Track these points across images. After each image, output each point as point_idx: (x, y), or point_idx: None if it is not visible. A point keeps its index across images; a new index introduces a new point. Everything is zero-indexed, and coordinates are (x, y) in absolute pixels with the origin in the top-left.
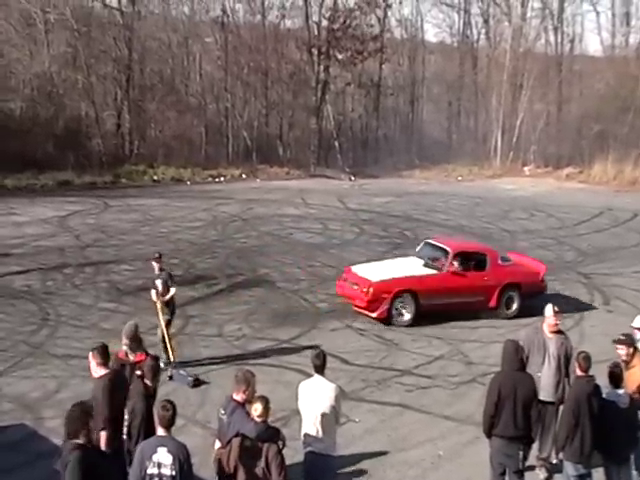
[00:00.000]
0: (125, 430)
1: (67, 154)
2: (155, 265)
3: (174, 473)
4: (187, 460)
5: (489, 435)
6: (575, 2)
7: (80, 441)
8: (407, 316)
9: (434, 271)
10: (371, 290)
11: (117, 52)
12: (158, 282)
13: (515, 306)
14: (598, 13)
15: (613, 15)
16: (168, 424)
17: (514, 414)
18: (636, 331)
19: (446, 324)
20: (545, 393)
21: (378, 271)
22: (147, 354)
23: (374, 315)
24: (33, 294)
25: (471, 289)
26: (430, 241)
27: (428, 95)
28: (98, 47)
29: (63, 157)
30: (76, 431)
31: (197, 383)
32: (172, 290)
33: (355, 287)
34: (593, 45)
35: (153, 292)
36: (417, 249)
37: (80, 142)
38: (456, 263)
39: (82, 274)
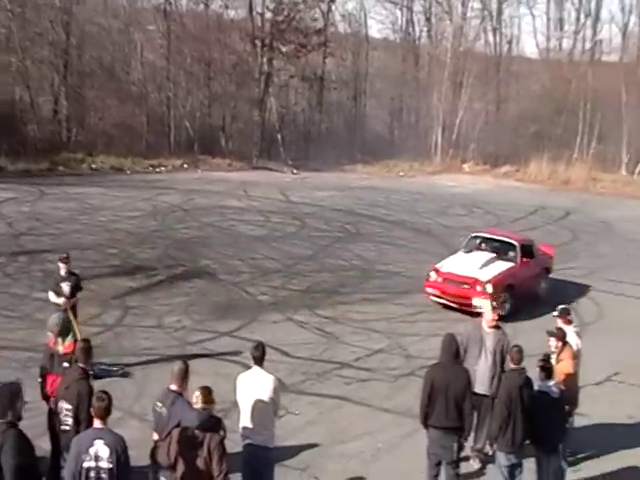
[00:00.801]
0: (71, 420)
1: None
2: (62, 266)
3: (111, 466)
4: (124, 453)
5: (425, 426)
6: (513, 5)
7: (10, 419)
8: (507, 308)
9: (512, 264)
10: (490, 287)
11: (54, 36)
12: (65, 285)
13: (545, 287)
14: (534, 16)
15: (548, 19)
16: (104, 415)
17: (446, 405)
18: (559, 321)
19: (386, 318)
20: (481, 386)
21: (477, 268)
22: (76, 341)
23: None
24: None
25: (533, 277)
26: (484, 235)
27: (371, 90)
28: (33, 29)
29: None
30: (4, 410)
31: (125, 373)
32: (77, 296)
33: (465, 286)
34: (530, 47)
35: (52, 294)
36: (464, 243)
37: (14, 127)
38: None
39: (15, 263)
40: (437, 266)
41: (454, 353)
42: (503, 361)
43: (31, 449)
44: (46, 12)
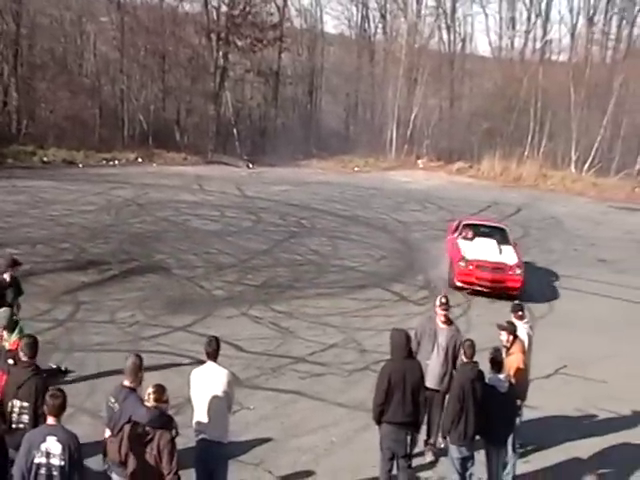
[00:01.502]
0: (27, 418)
1: None
2: (7, 274)
3: (63, 463)
4: (77, 450)
5: (379, 422)
6: (466, 3)
7: None
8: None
9: (511, 246)
10: (521, 271)
11: (4, 26)
12: (9, 292)
13: None
14: (487, 15)
15: (500, 18)
16: (58, 412)
17: (403, 401)
18: (512, 316)
19: (341, 312)
20: (432, 381)
21: (498, 253)
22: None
23: (516, 293)
24: None
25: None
26: (476, 222)
27: (327, 86)
28: None
29: None
30: None
31: (65, 370)
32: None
33: (499, 272)
34: (482, 46)
35: None
36: (461, 232)
37: None
38: None
39: None
40: (463, 255)
41: (407, 348)
42: (455, 358)
43: None
44: None
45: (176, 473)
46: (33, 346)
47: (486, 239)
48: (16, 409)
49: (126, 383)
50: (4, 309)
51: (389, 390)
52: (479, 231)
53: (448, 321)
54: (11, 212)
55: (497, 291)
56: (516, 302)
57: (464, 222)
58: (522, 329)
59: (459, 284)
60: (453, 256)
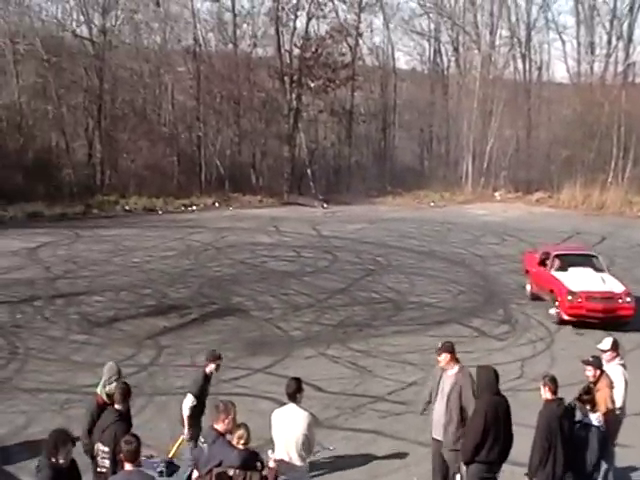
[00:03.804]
0: (108, 462)
1: (37, 185)
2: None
3: None
4: None
5: (471, 462)
6: (542, 31)
7: (55, 460)
8: None
9: (606, 273)
10: (631, 299)
11: (88, 82)
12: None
13: None
14: (564, 42)
15: (578, 44)
16: (133, 458)
17: (496, 439)
18: (604, 354)
19: (419, 350)
20: (436, 430)
21: (602, 282)
22: None
23: (628, 320)
24: (1, 327)
25: None
26: (565, 252)
27: (400, 122)
28: (69, 77)
29: (33, 188)
30: (51, 452)
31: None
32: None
33: (610, 301)
34: (560, 72)
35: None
36: (553, 263)
37: (50, 173)
38: None
39: (52, 306)
40: (569, 288)
41: (496, 384)
42: (462, 409)
43: None
44: (80, 60)
45: None
46: (123, 392)
47: (581, 268)
48: (100, 453)
49: (215, 426)
50: (111, 363)
51: (485, 429)
52: (571, 261)
53: (450, 366)
54: (96, 260)
55: (609, 321)
56: (612, 339)
57: (554, 252)
58: (617, 367)
59: (567, 318)
60: (557, 291)
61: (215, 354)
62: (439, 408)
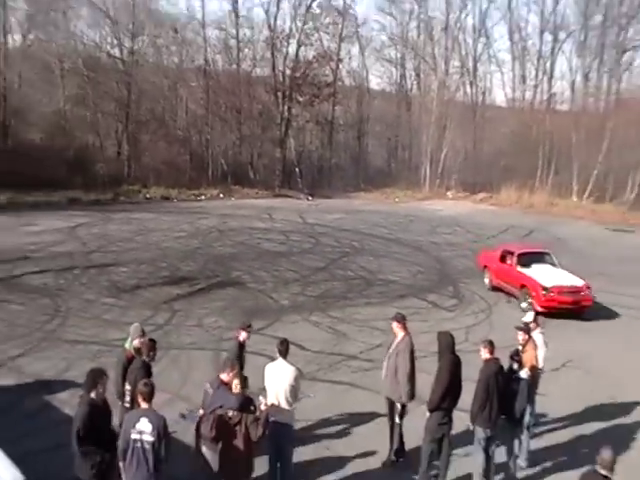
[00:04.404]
0: (129, 399)
1: (76, 176)
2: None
3: (153, 439)
4: (165, 429)
5: (436, 409)
6: (485, 63)
7: (92, 395)
8: None
9: (560, 268)
10: (590, 291)
11: (118, 93)
12: None
13: None
14: (502, 73)
15: (513, 76)
16: (149, 398)
17: (453, 390)
18: (531, 325)
19: (385, 318)
20: (384, 390)
21: (567, 277)
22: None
23: (587, 309)
24: (48, 290)
25: None
26: (528, 250)
27: (371, 132)
28: (103, 89)
29: (73, 179)
30: (90, 388)
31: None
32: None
33: (577, 294)
34: (499, 97)
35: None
36: (517, 260)
37: (87, 166)
38: None
39: (87, 274)
40: (543, 284)
41: (453, 346)
42: (396, 369)
43: (107, 419)
44: (112, 75)
45: (262, 436)
46: (149, 347)
47: (542, 265)
48: (126, 392)
49: (221, 376)
50: (136, 324)
51: (449, 380)
52: (532, 258)
53: (398, 332)
54: (123, 239)
55: (575, 311)
56: (532, 312)
57: (518, 251)
58: (538, 335)
59: (540, 310)
60: (530, 286)
61: (246, 323)
62: (384, 364)
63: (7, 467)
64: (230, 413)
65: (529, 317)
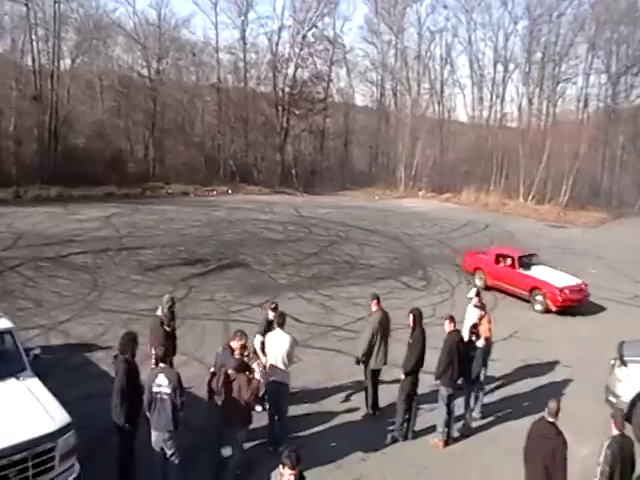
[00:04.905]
0: (153, 361)
1: (111, 174)
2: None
3: (169, 391)
4: (179, 382)
5: (411, 373)
6: (450, 87)
7: (127, 356)
8: None
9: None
10: (586, 287)
11: (146, 106)
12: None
13: None
14: (464, 95)
15: (473, 98)
16: (165, 358)
17: (422, 356)
18: (471, 300)
19: (366, 296)
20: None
21: (566, 276)
22: None
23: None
24: (88, 268)
25: None
26: (522, 254)
27: (356, 141)
28: (133, 102)
29: (108, 176)
30: (124, 349)
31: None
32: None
33: (580, 292)
34: (462, 115)
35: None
36: (519, 263)
37: (120, 166)
38: None
39: (119, 256)
40: (558, 286)
41: (422, 320)
42: (371, 337)
43: (137, 375)
44: (142, 91)
45: (251, 395)
46: (168, 317)
47: (541, 266)
48: (152, 355)
49: (231, 342)
50: (168, 295)
51: (423, 350)
52: (528, 260)
53: (373, 309)
54: (149, 226)
55: (577, 306)
56: (475, 288)
57: (517, 255)
58: (473, 309)
59: (555, 309)
60: (544, 288)
61: (274, 305)
62: (362, 335)
63: (57, 409)
64: (230, 371)
65: (472, 293)
